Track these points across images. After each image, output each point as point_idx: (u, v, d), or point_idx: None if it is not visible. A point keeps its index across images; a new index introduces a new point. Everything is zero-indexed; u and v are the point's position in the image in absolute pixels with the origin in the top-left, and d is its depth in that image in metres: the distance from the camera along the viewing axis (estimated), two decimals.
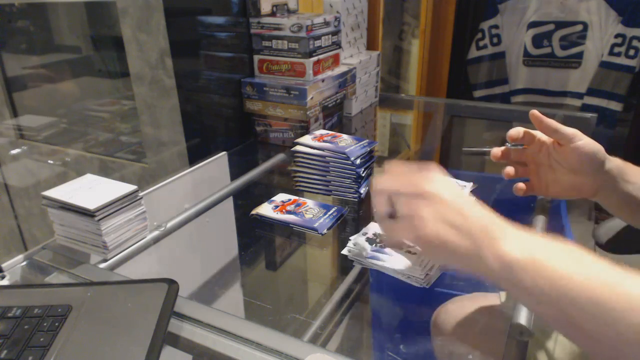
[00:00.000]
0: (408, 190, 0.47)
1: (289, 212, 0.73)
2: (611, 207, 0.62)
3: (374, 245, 0.64)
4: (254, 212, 0.75)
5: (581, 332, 0.38)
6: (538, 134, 0.63)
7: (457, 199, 0.45)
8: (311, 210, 0.73)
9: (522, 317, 0.49)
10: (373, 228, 0.69)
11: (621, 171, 0.59)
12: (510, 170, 0.65)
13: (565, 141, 0.59)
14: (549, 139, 0.62)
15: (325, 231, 0.69)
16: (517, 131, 0.62)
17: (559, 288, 0.38)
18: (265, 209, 0.75)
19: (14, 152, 1.33)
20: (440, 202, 0.44)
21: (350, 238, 0.66)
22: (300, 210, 0.73)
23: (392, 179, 0.49)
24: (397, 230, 0.48)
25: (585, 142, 0.58)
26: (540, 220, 0.68)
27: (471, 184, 0.80)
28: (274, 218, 0.72)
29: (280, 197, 0.79)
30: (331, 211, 0.74)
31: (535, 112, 0.60)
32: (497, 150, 0.65)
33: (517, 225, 0.43)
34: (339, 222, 0.73)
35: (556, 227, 0.75)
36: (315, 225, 0.69)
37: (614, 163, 0.59)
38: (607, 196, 0.60)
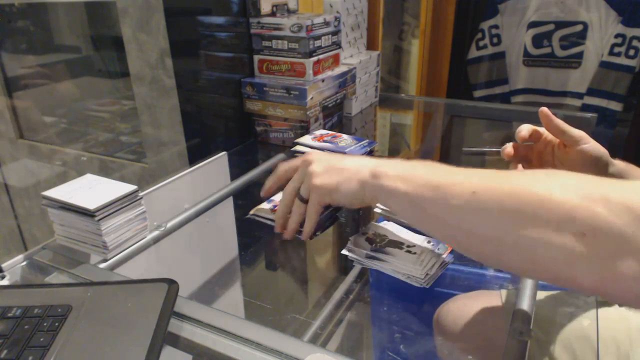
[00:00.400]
0: (297, 163, 0.61)
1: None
2: None
3: (374, 245, 0.64)
4: (252, 212, 0.75)
5: (427, 216, 0.47)
6: (545, 132, 0.63)
7: (334, 156, 0.59)
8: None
9: (522, 317, 0.49)
10: (373, 228, 0.69)
11: (624, 175, 0.59)
12: (519, 167, 0.65)
13: (571, 143, 0.59)
14: (555, 139, 0.62)
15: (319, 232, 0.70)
16: (527, 130, 0.62)
17: (412, 187, 0.47)
18: (264, 210, 0.75)
19: (13, 152, 1.33)
20: (321, 159, 0.58)
21: (350, 238, 0.66)
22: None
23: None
24: (292, 187, 0.61)
25: (591, 145, 0.59)
26: None
27: None
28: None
29: (280, 197, 0.79)
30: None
31: (545, 110, 0.60)
32: (510, 149, 0.65)
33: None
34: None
35: None
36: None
37: (618, 167, 0.59)
38: None
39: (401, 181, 0.48)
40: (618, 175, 0.59)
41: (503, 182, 0.40)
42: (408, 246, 0.64)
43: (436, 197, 0.44)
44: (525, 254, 0.38)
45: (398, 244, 0.64)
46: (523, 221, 0.37)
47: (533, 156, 0.65)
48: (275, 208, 0.74)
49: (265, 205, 0.76)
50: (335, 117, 1.16)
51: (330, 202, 0.58)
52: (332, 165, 0.57)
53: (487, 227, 0.40)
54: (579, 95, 1.78)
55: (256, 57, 1.08)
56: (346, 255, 0.63)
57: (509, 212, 0.38)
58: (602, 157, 0.58)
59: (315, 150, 0.65)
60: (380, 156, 0.58)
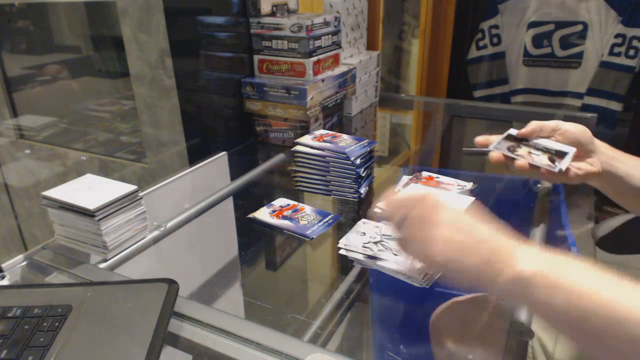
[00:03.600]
0: (417, 213, 0.48)
1: (284, 218, 0.74)
2: (609, 190, 0.66)
3: (370, 243, 0.64)
4: (251, 215, 0.76)
5: (599, 346, 0.39)
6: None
7: (463, 221, 0.46)
8: (307, 217, 0.74)
9: (522, 317, 0.49)
10: (364, 227, 0.69)
11: (613, 151, 0.65)
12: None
13: (552, 133, 0.67)
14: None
15: (315, 236, 0.70)
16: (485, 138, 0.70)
17: (573, 302, 0.38)
18: (262, 213, 0.76)
19: (13, 152, 1.33)
20: (448, 225, 0.46)
21: (346, 236, 0.66)
22: (296, 216, 0.74)
23: (401, 201, 0.51)
24: (408, 250, 0.49)
25: (568, 125, 0.66)
26: (540, 226, 0.69)
27: (471, 183, 0.80)
28: (269, 223, 0.73)
29: (280, 202, 0.79)
30: (327, 218, 0.74)
31: (521, 132, 0.68)
32: (496, 155, 0.67)
33: (520, 239, 0.44)
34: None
35: (556, 227, 0.75)
36: (307, 232, 0.70)
37: (603, 144, 0.65)
38: (604, 177, 0.65)
39: (556, 290, 0.40)
40: (609, 151, 0.64)
41: None
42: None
43: (607, 322, 0.37)
44: None
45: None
46: None
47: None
48: (275, 213, 0.74)
49: (264, 210, 0.76)
50: (335, 117, 1.16)
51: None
52: (459, 231, 0.46)
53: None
54: (579, 95, 1.78)
55: (256, 57, 1.08)
56: (346, 256, 0.63)
57: None
58: (584, 132, 0.65)
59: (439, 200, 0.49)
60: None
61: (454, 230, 0.45)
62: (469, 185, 0.80)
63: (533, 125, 0.68)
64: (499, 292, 0.43)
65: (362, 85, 1.26)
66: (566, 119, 0.64)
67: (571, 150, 0.64)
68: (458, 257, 0.44)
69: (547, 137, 0.68)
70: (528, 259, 0.42)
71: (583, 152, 0.65)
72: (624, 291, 0.38)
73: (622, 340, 0.36)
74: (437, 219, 0.46)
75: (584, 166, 0.64)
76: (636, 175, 0.62)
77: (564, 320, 0.39)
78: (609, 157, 0.64)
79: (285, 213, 0.75)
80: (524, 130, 0.69)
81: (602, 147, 0.65)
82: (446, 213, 0.47)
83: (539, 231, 0.69)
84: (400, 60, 2.03)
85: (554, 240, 0.71)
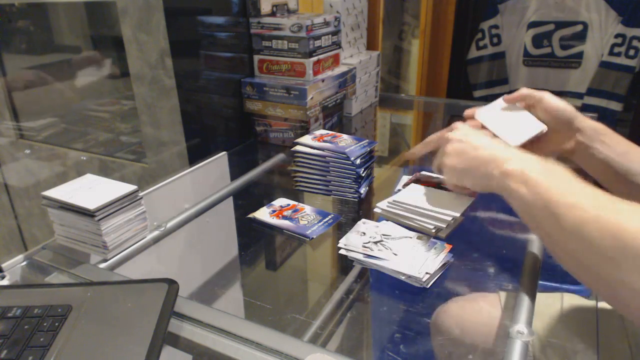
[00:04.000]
0: (442, 140, 0.66)
1: (284, 218, 0.74)
2: (589, 169, 0.68)
3: (370, 243, 0.64)
4: (250, 215, 0.75)
5: (538, 227, 0.49)
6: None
7: (474, 138, 0.61)
8: (307, 217, 0.74)
9: (523, 317, 0.49)
10: (364, 227, 0.69)
11: (598, 132, 0.65)
12: None
13: (535, 104, 0.69)
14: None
15: (315, 236, 0.70)
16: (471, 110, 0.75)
17: (539, 194, 0.47)
18: (262, 213, 0.76)
19: (13, 152, 1.33)
20: (460, 140, 0.62)
21: (346, 235, 0.66)
22: (296, 216, 0.74)
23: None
24: (435, 162, 0.68)
25: (550, 101, 0.68)
26: None
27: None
28: (269, 223, 0.73)
29: (280, 202, 0.79)
30: (327, 218, 0.74)
31: (508, 97, 0.72)
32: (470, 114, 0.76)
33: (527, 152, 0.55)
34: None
35: None
36: (307, 232, 0.70)
37: (588, 123, 0.66)
38: (584, 156, 0.67)
39: (525, 185, 0.49)
40: (589, 131, 0.66)
41: (611, 216, 0.41)
42: (407, 246, 0.64)
43: (549, 214, 0.46)
44: (620, 294, 0.40)
45: (397, 244, 0.64)
46: (621, 265, 0.39)
47: None
48: (275, 213, 0.74)
49: (265, 210, 0.76)
50: (335, 117, 1.16)
51: (458, 183, 0.63)
52: (465, 150, 0.60)
53: (589, 260, 0.42)
54: (579, 95, 1.78)
55: (256, 57, 1.08)
56: (346, 256, 0.63)
57: (610, 252, 0.40)
58: (565, 110, 0.67)
59: (462, 127, 0.66)
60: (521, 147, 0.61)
61: (464, 144, 0.61)
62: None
63: (522, 92, 0.71)
64: (493, 189, 0.55)
65: (362, 85, 1.26)
66: None
67: (535, 130, 0.68)
68: (463, 166, 0.60)
69: (531, 107, 0.71)
70: (517, 160, 0.53)
71: (562, 131, 0.67)
72: (582, 193, 0.45)
73: (561, 235, 0.45)
74: (453, 140, 0.64)
75: (546, 146, 0.69)
76: (622, 162, 0.64)
77: (530, 212, 0.49)
78: (591, 139, 0.66)
79: (285, 213, 0.75)
80: (512, 96, 0.72)
81: (588, 128, 0.66)
82: (461, 135, 0.63)
83: None
84: (400, 60, 2.03)
85: None
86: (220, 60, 1.02)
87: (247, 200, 0.85)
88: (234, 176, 0.90)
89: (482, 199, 0.70)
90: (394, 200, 0.71)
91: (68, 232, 0.61)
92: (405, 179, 0.82)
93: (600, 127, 0.66)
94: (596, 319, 0.58)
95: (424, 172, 0.81)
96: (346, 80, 1.16)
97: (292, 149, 0.84)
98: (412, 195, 0.73)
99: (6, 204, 1.41)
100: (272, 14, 1.09)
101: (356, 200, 0.80)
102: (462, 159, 0.61)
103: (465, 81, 1.94)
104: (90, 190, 0.61)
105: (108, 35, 1.17)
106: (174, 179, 0.82)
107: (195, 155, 0.95)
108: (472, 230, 0.73)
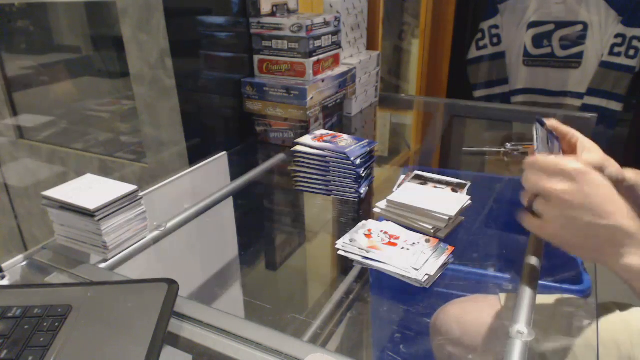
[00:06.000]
0: (549, 185, 0.48)
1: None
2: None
3: (369, 243, 0.64)
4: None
5: None
6: (570, 134, 0.64)
7: (594, 198, 0.46)
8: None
9: (523, 318, 0.49)
10: (364, 227, 0.69)
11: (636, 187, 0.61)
12: None
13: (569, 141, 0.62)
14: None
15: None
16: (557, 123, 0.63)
17: None
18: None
19: (13, 152, 1.33)
20: (572, 204, 0.46)
21: (346, 235, 0.66)
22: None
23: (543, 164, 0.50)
24: (528, 223, 0.52)
25: (584, 146, 0.60)
26: None
27: (469, 183, 0.79)
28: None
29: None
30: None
31: (553, 125, 0.61)
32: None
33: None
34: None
35: None
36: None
37: (629, 174, 0.61)
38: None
39: None
40: (633, 179, 0.60)
41: None
42: (407, 246, 0.64)
43: None
44: None
45: (397, 244, 0.64)
46: None
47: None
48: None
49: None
50: (335, 117, 1.16)
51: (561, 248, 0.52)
52: (575, 218, 0.47)
53: None
54: (579, 95, 1.78)
55: (256, 57, 1.08)
56: (344, 255, 0.63)
57: None
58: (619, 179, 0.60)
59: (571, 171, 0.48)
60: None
61: (577, 211, 0.46)
62: (468, 183, 0.79)
63: (566, 129, 0.64)
64: (617, 272, 0.46)
65: (362, 85, 1.26)
66: (566, 119, 0.63)
67: None
68: (572, 240, 0.48)
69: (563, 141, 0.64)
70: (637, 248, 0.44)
71: None
72: None
73: None
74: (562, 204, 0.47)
75: None
76: None
77: None
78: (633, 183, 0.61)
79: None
80: (557, 125, 0.63)
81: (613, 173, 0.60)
82: (577, 187, 0.46)
83: None
84: (400, 60, 2.03)
85: None
86: (220, 60, 1.02)
87: (247, 200, 0.85)
88: (234, 176, 0.90)
89: (482, 199, 0.70)
90: (387, 200, 0.71)
91: (68, 232, 0.61)
92: (403, 178, 0.83)
93: (622, 171, 0.61)
94: (596, 320, 0.58)
95: (417, 172, 0.81)
96: (346, 80, 1.16)
97: (292, 149, 0.84)
98: (407, 194, 0.72)
99: (6, 204, 1.41)
100: (272, 14, 1.09)
101: (356, 200, 0.80)
102: (568, 232, 0.48)
103: (465, 81, 1.94)
104: (90, 190, 0.61)
105: (108, 35, 1.17)
106: (174, 179, 0.82)
107: (195, 155, 0.95)
108: (472, 230, 0.73)
